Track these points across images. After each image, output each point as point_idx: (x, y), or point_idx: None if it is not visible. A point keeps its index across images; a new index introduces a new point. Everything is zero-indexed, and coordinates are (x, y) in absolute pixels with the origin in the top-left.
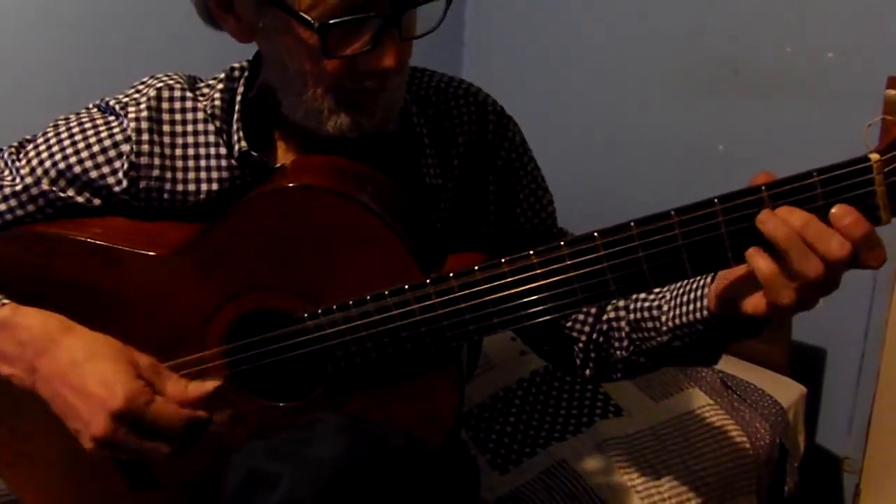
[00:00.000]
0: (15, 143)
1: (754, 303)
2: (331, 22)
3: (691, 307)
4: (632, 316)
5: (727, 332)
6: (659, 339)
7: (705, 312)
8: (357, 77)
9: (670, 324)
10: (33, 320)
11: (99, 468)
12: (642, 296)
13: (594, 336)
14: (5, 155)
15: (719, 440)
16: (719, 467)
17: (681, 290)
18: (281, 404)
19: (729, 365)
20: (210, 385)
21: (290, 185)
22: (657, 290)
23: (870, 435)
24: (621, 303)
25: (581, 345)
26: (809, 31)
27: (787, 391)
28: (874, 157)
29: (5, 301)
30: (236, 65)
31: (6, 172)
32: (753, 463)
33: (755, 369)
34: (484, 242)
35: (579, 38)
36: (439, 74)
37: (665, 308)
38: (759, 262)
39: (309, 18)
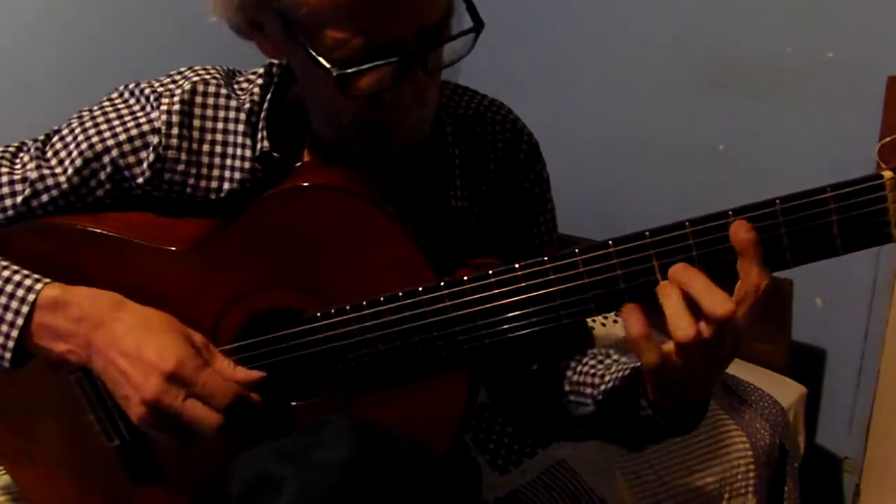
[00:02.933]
0: (42, 137)
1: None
2: (349, 71)
3: (630, 382)
4: (575, 378)
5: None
6: (594, 405)
7: (646, 400)
8: (381, 110)
9: (608, 387)
10: (85, 297)
11: (104, 466)
12: (592, 362)
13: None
14: (32, 149)
15: (719, 440)
16: (719, 467)
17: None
18: (291, 403)
19: (729, 365)
20: (256, 374)
21: (304, 184)
22: (608, 361)
23: (870, 435)
24: (572, 363)
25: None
26: (809, 31)
27: (787, 391)
28: (888, 174)
29: (47, 280)
30: (275, 60)
31: (30, 166)
32: (753, 463)
33: (755, 369)
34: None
35: (579, 38)
36: (480, 95)
37: (607, 378)
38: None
39: (327, 65)
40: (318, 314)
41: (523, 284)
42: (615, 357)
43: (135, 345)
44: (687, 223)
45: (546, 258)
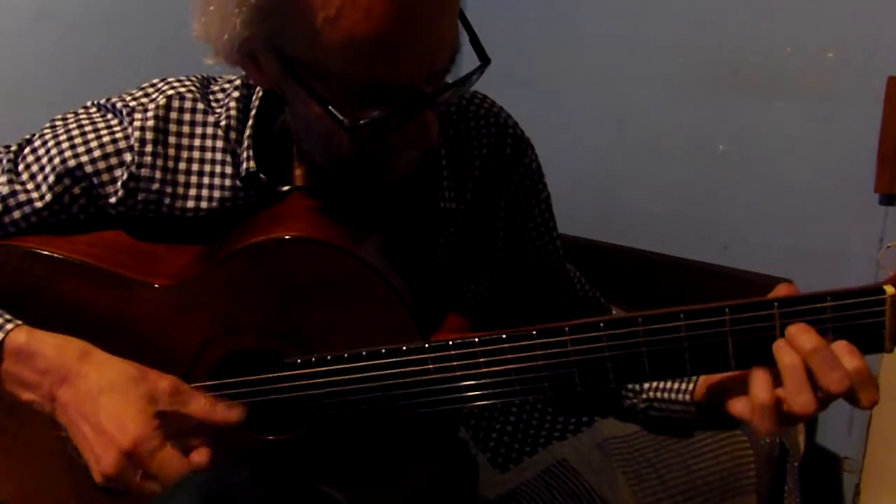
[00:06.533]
0: (14, 146)
1: (741, 406)
2: (361, 122)
3: (675, 386)
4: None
5: (704, 418)
6: (634, 400)
7: (688, 397)
8: (383, 147)
9: (651, 394)
10: (50, 348)
11: (75, 473)
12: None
13: None
14: (3, 160)
15: (719, 440)
16: (719, 467)
17: None
18: (268, 437)
19: None
20: (235, 415)
21: (297, 236)
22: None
23: (870, 435)
24: None
25: None
26: (809, 31)
27: None
28: (889, 289)
29: (15, 324)
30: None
31: (1, 180)
32: (753, 462)
33: None
34: (489, 267)
35: (580, 38)
36: None
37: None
38: (758, 383)
39: (340, 117)
40: (298, 360)
41: (509, 356)
42: None
43: (94, 408)
44: (681, 314)
45: (534, 331)
